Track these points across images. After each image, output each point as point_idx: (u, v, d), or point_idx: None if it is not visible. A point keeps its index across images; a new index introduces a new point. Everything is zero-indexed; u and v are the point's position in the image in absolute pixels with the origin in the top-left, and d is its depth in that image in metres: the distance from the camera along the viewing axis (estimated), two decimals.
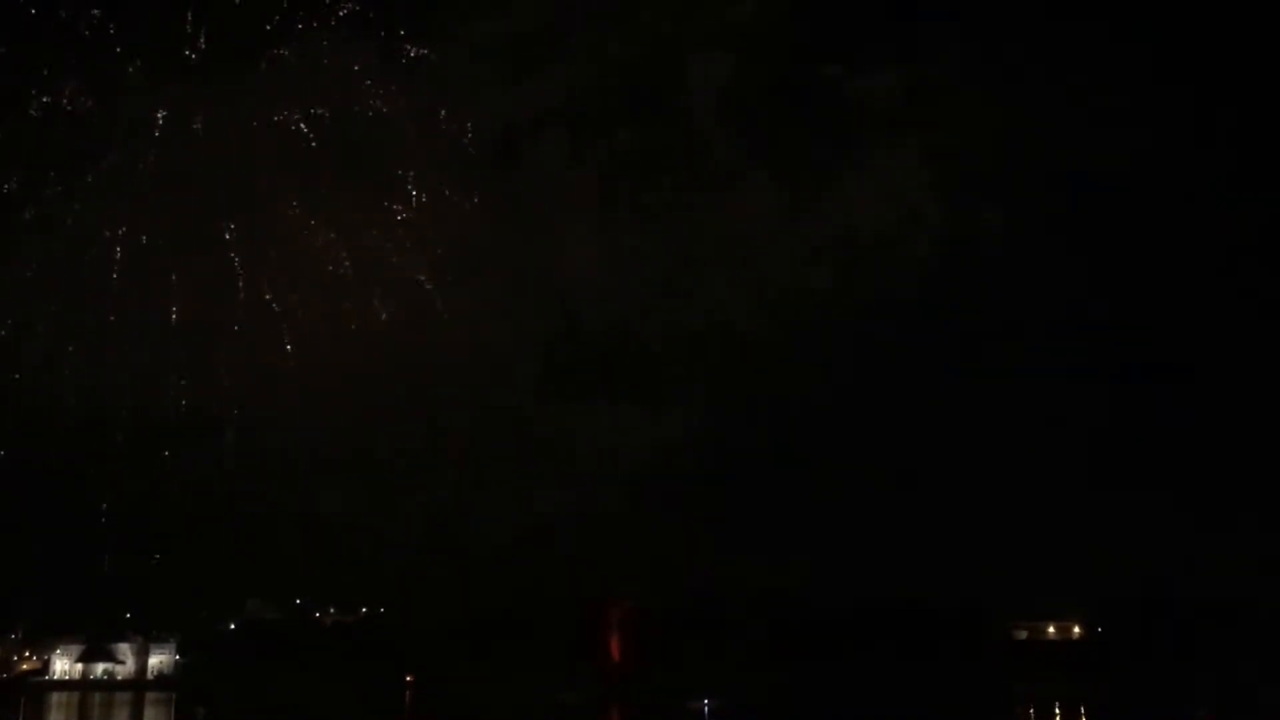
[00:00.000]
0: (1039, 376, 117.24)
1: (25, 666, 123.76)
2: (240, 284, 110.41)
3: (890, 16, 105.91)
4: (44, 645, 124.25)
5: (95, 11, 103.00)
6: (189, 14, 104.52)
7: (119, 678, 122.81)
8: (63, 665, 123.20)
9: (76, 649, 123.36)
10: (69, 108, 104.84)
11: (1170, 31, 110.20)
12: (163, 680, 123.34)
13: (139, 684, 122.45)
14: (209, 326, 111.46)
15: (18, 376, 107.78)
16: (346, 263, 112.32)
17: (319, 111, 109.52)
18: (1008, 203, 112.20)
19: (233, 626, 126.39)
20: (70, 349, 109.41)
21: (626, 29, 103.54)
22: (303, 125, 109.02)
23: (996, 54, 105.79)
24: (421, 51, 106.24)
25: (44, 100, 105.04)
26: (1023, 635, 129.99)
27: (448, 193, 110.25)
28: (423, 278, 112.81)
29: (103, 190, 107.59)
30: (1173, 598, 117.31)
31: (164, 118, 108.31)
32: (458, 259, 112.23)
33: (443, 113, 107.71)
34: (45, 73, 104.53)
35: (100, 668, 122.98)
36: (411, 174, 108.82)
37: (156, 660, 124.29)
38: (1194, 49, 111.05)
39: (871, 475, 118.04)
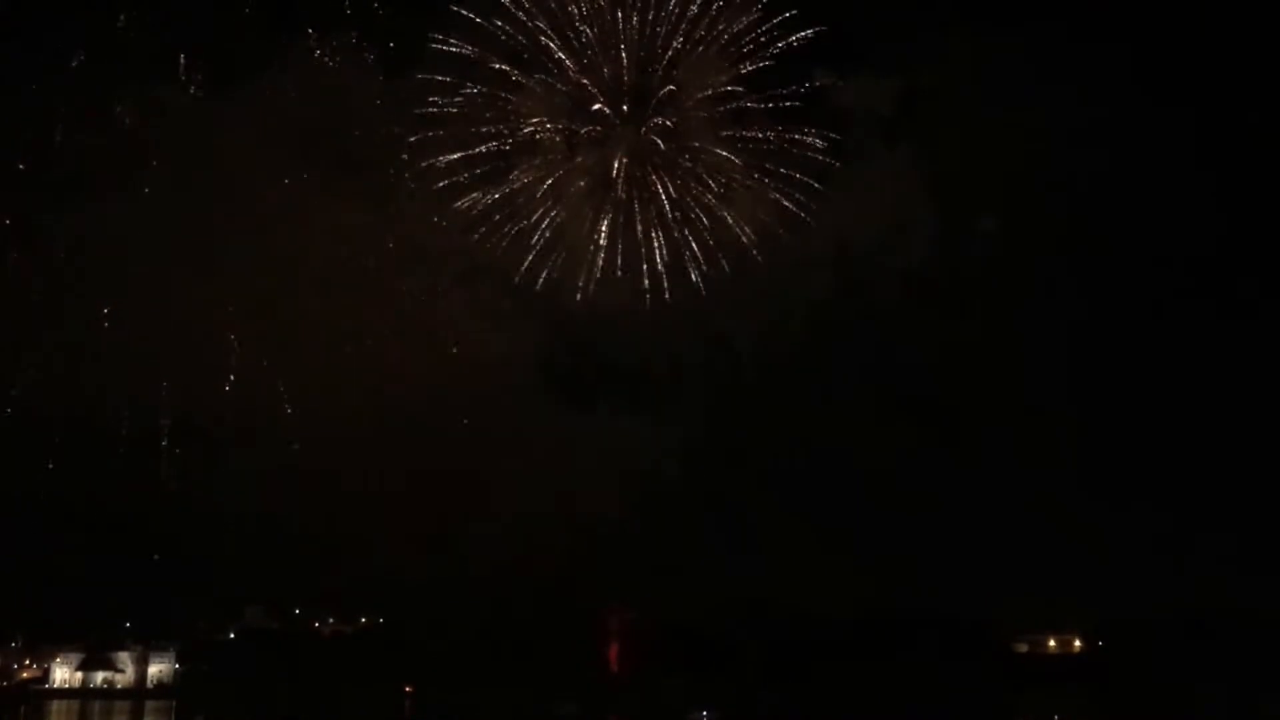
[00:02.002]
0: (1038, 385, 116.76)
1: (25, 675, 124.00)
2: (236, 295, 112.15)
3: (885, 25, 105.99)
4: (44, 653, 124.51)
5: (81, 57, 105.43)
6: (183, 55, 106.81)
7: (118, 686, 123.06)
8: (63, 673, 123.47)
9: (76, 657, 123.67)
10: (59, 139, 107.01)
11: (1169, 42, 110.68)
12: (162, 689, 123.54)
13: (138, 692, 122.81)
14: (206, 336, 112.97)
15: (14, 392, 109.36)
16: (342, 274, 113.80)
17: (314, 129, 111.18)
18: (1004, 211, 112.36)
19: (231, 635, 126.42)
20: (68, 359, 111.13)
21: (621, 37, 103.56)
22: (298, 143, 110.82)
23: (993, 62, 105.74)
24: (418, 77, 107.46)
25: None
26: (1023, 648, 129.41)
27: (444, 203, 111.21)
28: (420, 287, 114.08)
29: (99, 206, 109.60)
30: (1174, 609, 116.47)
31: (161, 136, 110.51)
32: (454, 270, 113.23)
33: (440, 131, 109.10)
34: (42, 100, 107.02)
35: (100, 676, 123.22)
36: (407, 187, 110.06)
37: (156, 669, 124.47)
38: (1192, 60, 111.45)
39: (872, 486, 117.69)
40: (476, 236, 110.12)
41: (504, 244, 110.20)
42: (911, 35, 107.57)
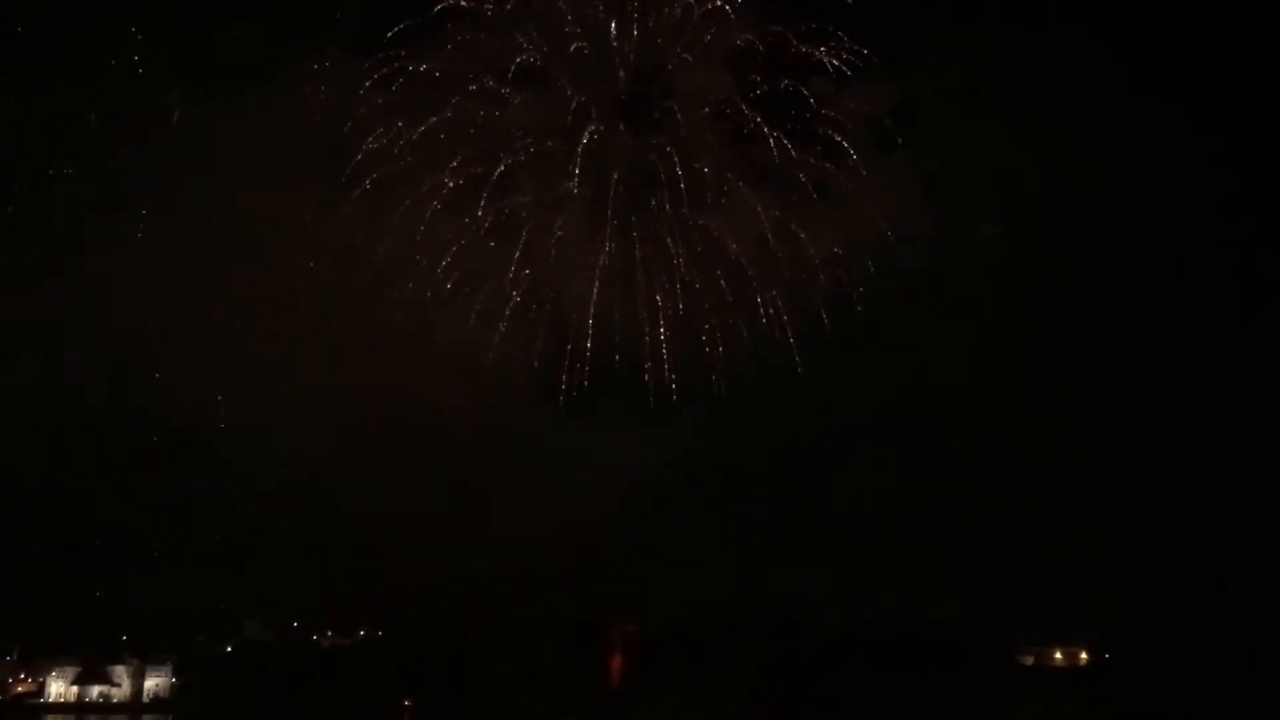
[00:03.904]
0: (1041, 393, 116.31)
1: (20, 689, 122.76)
2: (235, 303, 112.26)
3: (882, 29, 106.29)
4: (39, 667, 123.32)
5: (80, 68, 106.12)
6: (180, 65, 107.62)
7: (114, 700, 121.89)
8: (58, 687, 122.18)
9: (72, 671, 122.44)
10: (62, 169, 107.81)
11: (1170, 43, 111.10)
12: (158, 703, 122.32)
13: (135, 706, 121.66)
14: (203, 345, 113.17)
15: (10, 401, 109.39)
16: (339, 283, 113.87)
17: (314, 136, 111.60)
18: (1005, 218, 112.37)
19: (229, 648, 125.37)
20: (66, 369, 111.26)
21: (619, 47, 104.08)
22: (297, 149, 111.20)
23: (991, 65, 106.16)
24: (409, 93, 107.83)
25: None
26: (1029, 660, 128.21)
27: (444, 212, 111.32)
28: (420, 295, 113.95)
29: (97, 212, 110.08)
30: (1179, 618, 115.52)
31: (159, 144, 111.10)
32: (454, 278, 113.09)
33: (441, 135, 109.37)
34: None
35: (95, 690, 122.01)
36: (407, 196, 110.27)
37: (152, 683, 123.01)
38: (1193, 61, 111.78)
39: (876, 496, 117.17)
40: (476, 243, 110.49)
41: (503, 251, 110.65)
42: (909, 39, 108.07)
